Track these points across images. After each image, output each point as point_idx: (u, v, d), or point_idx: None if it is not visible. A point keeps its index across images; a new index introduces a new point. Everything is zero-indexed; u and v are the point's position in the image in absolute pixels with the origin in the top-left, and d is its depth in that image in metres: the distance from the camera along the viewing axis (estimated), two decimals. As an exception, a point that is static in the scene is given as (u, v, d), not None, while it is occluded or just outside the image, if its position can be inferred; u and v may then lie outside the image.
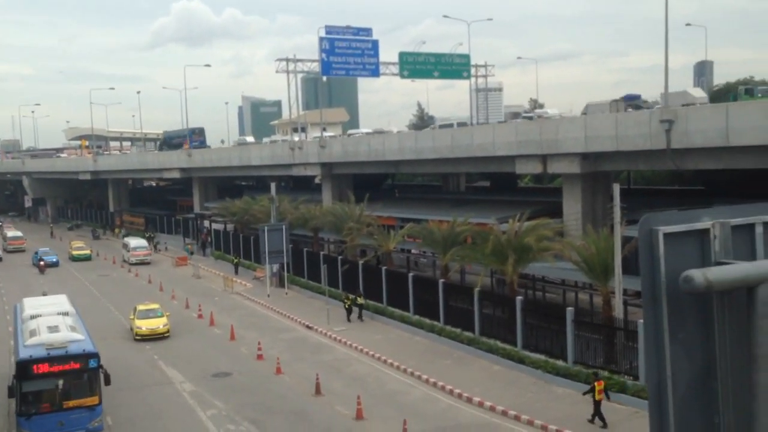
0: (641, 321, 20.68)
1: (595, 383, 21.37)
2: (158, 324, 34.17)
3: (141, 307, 35.40)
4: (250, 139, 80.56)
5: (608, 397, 21.55)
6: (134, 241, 62.40)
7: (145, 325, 34.03)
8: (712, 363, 4.27)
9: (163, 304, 42.11)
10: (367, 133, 57.32)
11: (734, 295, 4.22)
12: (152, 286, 48.92)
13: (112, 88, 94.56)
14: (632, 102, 41.28)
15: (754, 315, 4.07)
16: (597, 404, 21.19)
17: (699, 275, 3.94)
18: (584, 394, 21.88)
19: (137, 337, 33.76)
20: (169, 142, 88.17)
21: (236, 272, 50.88)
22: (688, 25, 59.69)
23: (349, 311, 35.99)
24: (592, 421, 21.32)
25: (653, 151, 32.16)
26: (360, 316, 35.97)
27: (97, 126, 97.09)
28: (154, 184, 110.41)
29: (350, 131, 65.22)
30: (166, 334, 33.93)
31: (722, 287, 4.02)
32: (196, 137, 79.61)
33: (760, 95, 35.52)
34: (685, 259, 4.25)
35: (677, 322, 4.23)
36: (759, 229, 4.55)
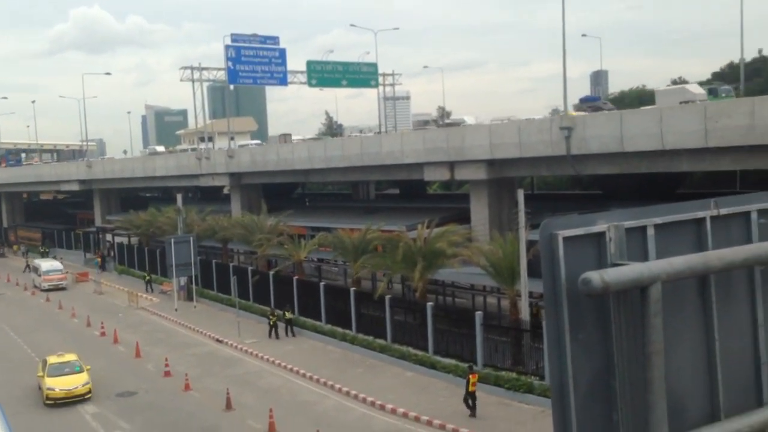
0: (545, 322, 21.30)
1: (470, 375, 22.81)
2: (76, 383, 26.16)
3: (53, 360, 27.19)
4: (160, 148, 78.11)
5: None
6: (46, 264, 54.22)
7: (58, 385, 25.91)
8: (610, 361, 4.43)
9: (61, 323, 40.37)
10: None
11: (629, 295, 4.40)
12: (50, 304, 46.69)
13: (5, 98, 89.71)
14: (592, 104, 40.58)
15: (648, 314, 4.25)
16: (471, 395, 22.57)
17: (596, 277, 4.08)
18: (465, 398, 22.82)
19: (48, 402, 25.81)
20: None
21: (148, 289, 48.61)
22: (584, 36, 62.32)
23: (273, 327, 34.16)
24: (473, 414, 22.38)
25: (554, 157, 33.30)
26: (291, 332, 34.18)
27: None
28: (51, 197, 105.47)
29: (241, 142, 64.02)
30: (87, 396, 26.17)
31: (618, 288, 4.18)
32: (12, 157, 76.94)
33: (723, 95, 34.96)
34: (583, 262, 4.39)
35: (577, 323, 4.36)
36: (650, 231, 4.76)
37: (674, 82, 74.05)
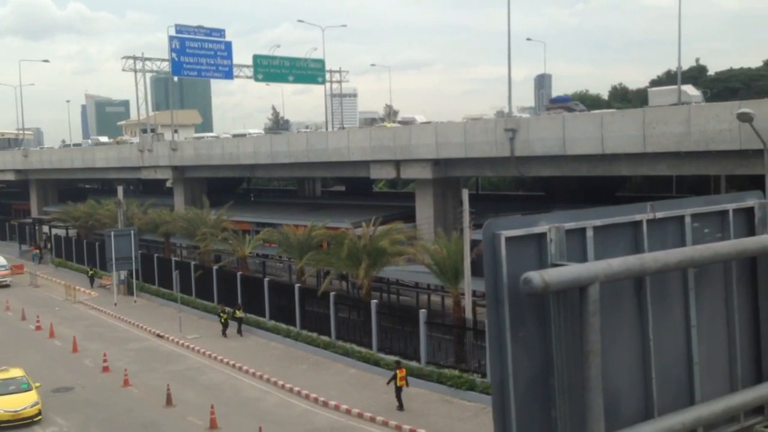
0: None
1: (397, 371, 23.14)
2: (24, 403, 22.73)
3: None
4: (104, 139, 76.05)
5: (407, 384, 23.21)
6: None
7: (3, 407, 22.51)
8: (549, 360, 4.55)
9: (-5, 317, 39.01)
10: (235, 136, 55.30)
11: (569, 295, 4.53)
12: (-17, 297, 45.13)
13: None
14: (562, 104, 39.73)
15: (586, 313, 4.38)
16: (398, 390, 22.96)
17: (537, 277, 4.19)
18: (388, 383, 23.33)
19: None
20: None
21: (92, 284, 47.10)
22: (528, 39, 63.09)
23: (225, 325, 33.25)
24: (400, 408, 22.78)
25: (499, 158, 33.79)
26: (239, 330, 33.22)
27: None
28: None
29: (197, 135, 62.85)
30: (36, 418, 22.72)
31: (557, 287, 4.30)
32: None
33: None
34: (525, 262, 4.50)
35: (518, 322, 4.46)
36: (590, 233, 4.91)
37: (615, 89, 75.99)
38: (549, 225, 4.65)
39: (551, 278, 4.24)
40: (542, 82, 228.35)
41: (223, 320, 33.32)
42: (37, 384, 23.99)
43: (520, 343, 4.43)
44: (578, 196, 40.96)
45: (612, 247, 4.98)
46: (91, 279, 47.45)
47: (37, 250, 59.43)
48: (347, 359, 28.11)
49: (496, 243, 4.43)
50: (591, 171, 32.32)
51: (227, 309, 33.75)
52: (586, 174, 33.22)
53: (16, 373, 24.38)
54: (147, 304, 41.56)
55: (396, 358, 25.21)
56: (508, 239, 4.44)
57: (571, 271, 4.37)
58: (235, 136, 54.54)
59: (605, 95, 79.61)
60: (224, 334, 33.12)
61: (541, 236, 4.65)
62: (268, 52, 60.63)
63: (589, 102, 63.24)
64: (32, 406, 22.81)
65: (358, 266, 30.16)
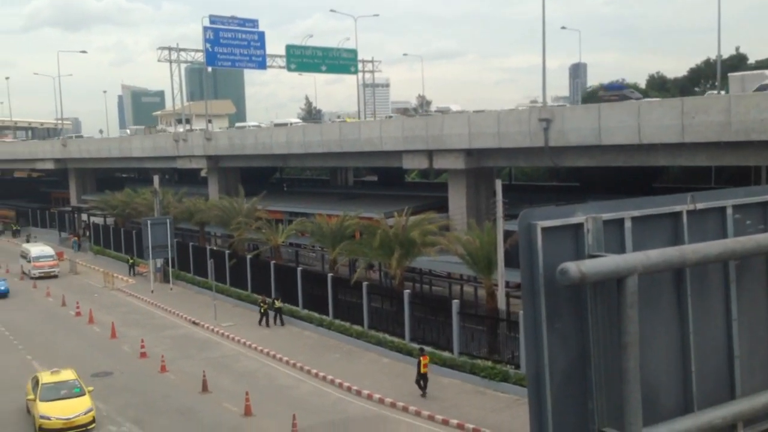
0: (522, 312, 21.54)
1: (421, 357, 23.53)
2: (77, 409, 21.07)
3: (46, 379, 22.00)
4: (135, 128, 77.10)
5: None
6: (36, 249, 50.11)
7: (55, 413, 20.79)
8: (586, 351, 4.51)
9: (36, 301, 39.88)
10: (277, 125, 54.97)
11: (606, 286, 4.48)
12: (25, 283, 46.19)
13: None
14: (617, 92, 38.72)
15: (624, 305, 4.33)
16: (423, 376, 23.32)
17: (574, 268, 4.15)
18: (417, 378, 23.55)
19: None
20: None
21: (132, 273, 47.62)
22: (563, 28, 62.22)
23: (264, 315, 33.33)
24: (423, 394, 23.11)
25: (533, 148, 33.48)
26: (280, 321, 33.20)
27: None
28: (25, 175, 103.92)
29: (239, 124, 63.00)
30: (90, 426, 21.18)
31: (595, 279, 4.26)
32: None
33: None
34: (561, 252, 4.46)
35: (554, 313, 4.43)
36: (628, 224, 4.84)
37: (652, 77, 74.68)
38: (586, 215, 4.60)
39: (588, 269, 4.19)
40: (577, 71, 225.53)
41: (262, 310, 33.40)
42: (90, 388, 22.45)
43: (557, 335, 4.39)
44: (614, 186, 40.45)
45: (650, 238, 4.91)
46: (131, 267, 47.99)
47: (77, 238, 60.57)
48: (380, 349, 28.21)
49: (532, 233, 4.40)
50: (627, 161, 31.85)
51: (267, 299, 33.87)
52: (622, 164, 32.75)
53: (67, 375, 22.55)
54: (183, 291, 42.15)
55: (420, 346, 25.57)
56: (545, 230, 4.40)
57: (608, 263, 4.32)
58: (277, 125, 54.59)
59: (642, 84, 78.32)
60: (265, 323, 33.21)
61: (578, 227, 4.60)
62: (300, 42, 60.80)
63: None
64: (86, 413, 21.09)
65: (390, 256, 30.21)
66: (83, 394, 21.65)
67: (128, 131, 76.69)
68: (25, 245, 52.92)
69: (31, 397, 21.66)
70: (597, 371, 4.48)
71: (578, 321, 4.51)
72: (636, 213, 4.86)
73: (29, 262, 48.47)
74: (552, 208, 4.60)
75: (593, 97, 58.68)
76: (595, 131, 30.37)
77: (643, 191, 37.86)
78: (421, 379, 23.43)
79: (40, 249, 50.12)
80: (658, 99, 32.64)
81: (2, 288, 41.58)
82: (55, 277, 47.78)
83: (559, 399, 4.37)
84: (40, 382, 21.84)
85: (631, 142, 29.54)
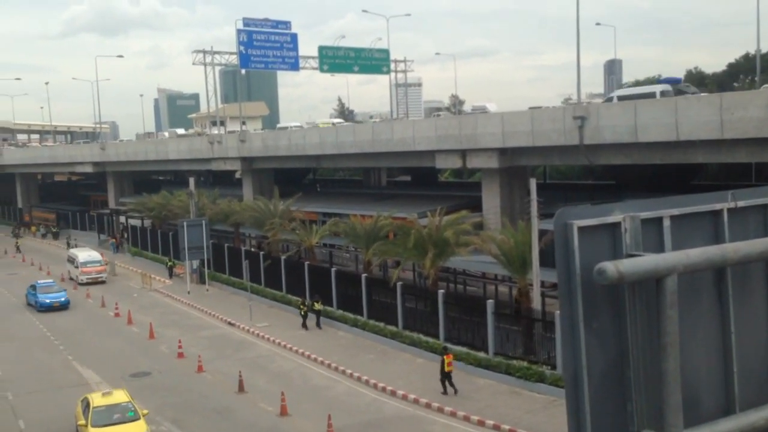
0: (558, 312, 21.36)
1: (445, 356, 23.68)
2: None
3: (98, 402, 20.33)
4: (180, 131, 77.51)
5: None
6: (83, 254, 48.90)
7: None
8: (624, 352, 4.44)
9: (78, 303, 40.57)
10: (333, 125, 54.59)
11: (644, 286, 4.41)
12: (65, 284, 47.11)
13: (18, 79, 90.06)
14: (673, 86, 36.74)
15: (663, 305, 4.25)
16: (448, 375, 23.53)
17: (611, 267, 4.09)
18: (440, 377, 23.75)
19: None
20: None
21: (171, 275, 47.72)
22: (598, 24, 61.62)
23: (304, 317, 33.22)
24: (444, 392, 23.31)
25: (567, 146, 33.15)
26: (318, 323, 32.99)
27: (2, 118, 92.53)
28: (65, 178, 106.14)
29: (281, 125, 62.64)
30: None
31: (633, 279, 4.19)
32: None
33: None
34: (598, 252, 4.40)
35: (591, 313, 4.37)
36: (666, 223, 4.76)
37: (690, 73, 73.43)
38: (623, 214, 4.53)
39: (626, 269, 4.13)
40: (612, 67, 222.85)
41: (302, 313, 33.24)
42: (145, 411, 20.82)
43: (594, 335, 4.34)
44: (651, 184, 39.88)
45: (690, 237, 4.82)
46: (170, 270, 48.23)
47: (116, 240, 61.61)
48: (414, 349, 28.20)
49: (568, 233, 4.34)
50: (665, 159, 31.36)
51: (306, 301, 33.74)
52: (659, 162, 32.26)
53: (120, 397, 20.79)
54: (218, 292, 42.62)
55: (444, 344, 25.86)
56: (581, 229, 4.35)
57: (647, 262, 4.25)
58: (322, 125, 54.50)
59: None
60: (304, 326, 33.05)
61: (615, 226, 4.53)
62: (333, 42, 61.03)
63: (662, 87, 61.13)
64: None
65: (424, 256, 30.18)
66: (138, 419, 19.96)
67: (166, 134, 77.59)
68: (72, 250, 51.73)
69: (82, 422, 19.86)
70: (636, 372, 4.41)
71: (616, 321, 4.45)
72: (675, 212, 4.77)
73: (77, 267, 47.71)
74: (588, 207, 4.55)
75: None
76: (631, 128, 29.96)
77: (682, 189, 37.23)
78: (446, 378, 23.57)
79: (87, 254, 49.13)
80: (695, 95, 32.02)
81: (63, 300, 39.66)
82: (103, 282, 47.09)
83: (597, 400, 4.31)
84: (90, 405, 20.10)
85: (668, 139, 29.08)
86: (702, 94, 32.76)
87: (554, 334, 23.42)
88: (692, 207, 4.89)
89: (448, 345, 25.81)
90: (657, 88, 33.59)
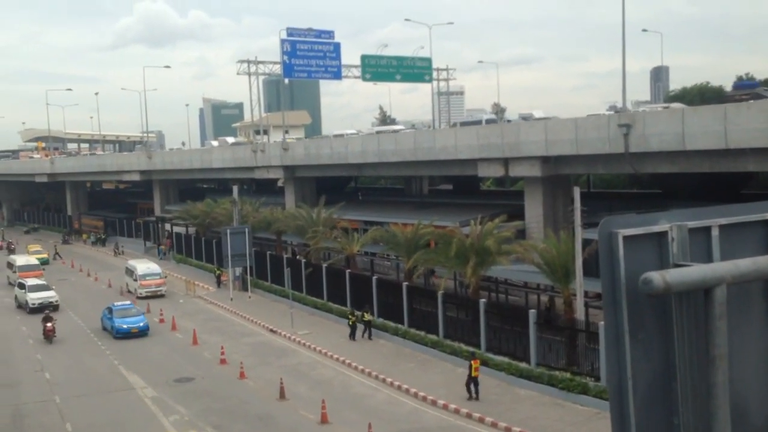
0: (602, 323, 21.03)
1: (472, 361, 24.13)
2: None
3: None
4: (230, 140, 76.45)
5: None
6: (142, 266, 46.83)
7: None
8: (671, 363, 4.35)
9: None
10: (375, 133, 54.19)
11: (692, 297, 4.32)
12: (113, 290, 48.10)
13: (69, 89, 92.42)
14: (749, 90, 36.28)
15: (712, 316, 4.16)
16: (474, 380, 23.94)
17: (658, 277, 4.01)
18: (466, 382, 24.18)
19: None
20: None
21: (219, 284, 47.31)
22: (644, 30, 60.73)
23: (353, 328, 32.58)
24: (470, 397, 23.66)
25: (612, 154, 32.70)
26: (369, 335, 32.26)
27: (54, 128, 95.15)
28: (113, 186, 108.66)
29: (337, 132, 62.19)
30: None
31: (680, 289, 4.11)
32: None
33: None
34: (644, 262, 4.32)
35: (637, 324, 4.30)
36: (715, 232, 4.65)
37: (740, 79, 71.86)
38: (670, 223, 4.45)
39: (673, 279, 4.05)
40: (659, 74, 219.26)
41: (351, 323, 32.56)
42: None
43: (640, 346, 4.26)
44: (698, 193, 39.07)
45: (740, 247, 4.70)
46: (218, 278, 47.61)
47: (164, 246, 62.66)
48: (455, 358, 28.03)
49: (613, 242, 4.28)
50: (713, 167, 30.70)
51: (356, 312, 33.07)
52: (707, 170, 31.60)
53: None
54: (260, 299, 43.03)
55: (471, 350, 26.36)
56: (626, 238, 4.28)
57: (694, 272, 4.16)
58: (378, 132, 54.32)
59: (728, 87, 75.42)
60: (352, 337, 32.43)
61: (662, 235, 4.45)
62: (375, 51, 61.29)
63: (712, 95, 60.11)
64: None
65: (466, 265, 30.03)
66: None
67: (213, 143, 78.45)
68: (131, 261, 49.46)
69: None
70: (683, 385, 4.32)
71: (663, 332, 4.37)
72: (723, 221, 4.66)
73: (135, 280, 45.69)
74: (633, 215, 4.48)
75: (677, 101, 56.82)
76: (678, 136, 29.42)
77: (731, 198, 36.38)
78: (472, 383, 23.83)
79: (146, 266, 46.79)
80: (745, 102, 31.31)
81: (142, 325, 35.20)
82: (162, 296, 44.88)
83: (642, 413, 4.23)
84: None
85: (717, 147, 28.47)
86: (751, 101, 31.99)
87: (598, 345, 23.05)
88: (742, 216, 4.77)
89: (476, 350, 26.48)
90: (484, 117, 36.02)
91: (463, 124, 48.27)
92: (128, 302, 38.44)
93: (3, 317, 41.44)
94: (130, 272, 47.15)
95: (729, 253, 4.61)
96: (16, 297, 44.08)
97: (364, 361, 28.83)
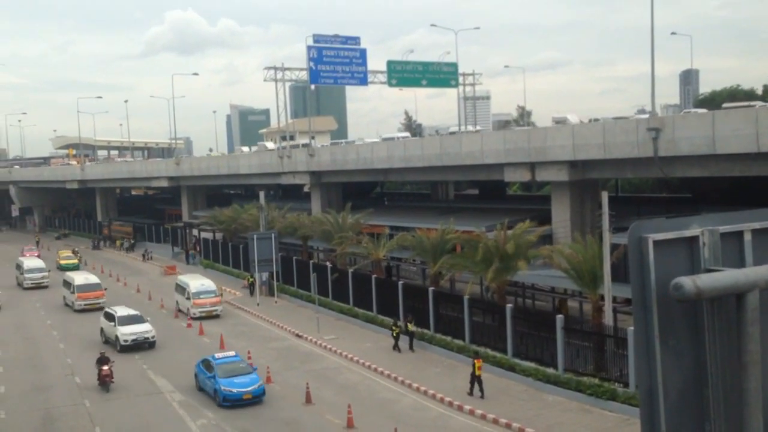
0: (631, 328, 20.79)
1: (475, 361, 24.71)
2: None
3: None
4: (270, 145, 75.50)
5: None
6: (195, 282, 41.03)
7: None
8: (702, 369, 4.29)
9: (151, 313, 41.90)
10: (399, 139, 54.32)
11: (724, 302, 4.26)
12: (141, 295, 48.62)
13: (100, 97, 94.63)
14: None
15: (744, 322, 4.10)
16: (477, 378, 24.55)
17: (689, 282, 3.96)
18: (470, 381, 24.88)
19: None
20: None
21: (252, 292, 45.30)
22: (673, 34, 60.38)
23: (397, 339, 31.28)
24: (470, 393, 24.24)
25: (641, 158, 32.37)
26: (411, 346, 31.09)
27: (84, 135, 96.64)
28: (142, 192, 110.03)
29: (384, 137, 61.39)
30: None
31: (712, 294, 4.05)
32: None
33: None
34: (674, 266, 4.27)
35: (668, 329, 4.25)
36: (747, 237, 4.59)
37: (771, 81, 70.65)
38: (701, 228, 4.39)
39: (704, 284, 3.99)
40: (688, 78, 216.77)
41: (395, 334, 31.38)
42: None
43: (670, 352, 4.21)
44: (729, 198, 38.52)
45: (773, 252, 4.63)
46: (251, 286, 45.51)
47: (194, 251, 63.17)
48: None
49: (643, 247, 4.24)
50: (744, 171, 30.26)
51: (399, 323, 31.99)
52: (738, 174, 31.16)
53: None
54: (287, 304, 43.20)
55: (475, 349, 27.05)
56: (656, 243, 4.23)
57: (726, 277, 4.10)
58: (384, 140, 54.08)
59: (759, 90, 74.27)
60: (396, 348, 31.20)
61: (692, 240, 4.40)
62: (401, 57, 61.37)
63: (742, 99, 59.20)
64: None
65: (491, 269, 29.88)
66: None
67: (243, 149, 78.65)
68: (182, 277, 43.69)
69: None
70: (715, 391, 4.26)
71: (694, 338, 4.31)
72: (756, 225, 4.60)
73: (188, 298, 40.18)
74: (663, 220, 4.43)
75: (706, 104, 56.15)
76: (708, 140, 29.04)
77: (762, 203, 35.86)
78: (475, 381, 24.43)
79: (200, 283, 41.06)
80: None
81: (256, 388, 25.48)
82: (217, 317, 39.62)
83: (673, 419, 4.18)
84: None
85: (748, 151, 28.06)
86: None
87: (627, 350, 22.79)
88: (775, 220, 4.70)
89: (479, 350, 27.33)
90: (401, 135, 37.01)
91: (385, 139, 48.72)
92: (232, 353, 28.09)
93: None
94: (181, 289, 41.54)
95: (762, 258, 4.54)
96: (102, 330, 34.97)
97: (390, 366, 28.80)
